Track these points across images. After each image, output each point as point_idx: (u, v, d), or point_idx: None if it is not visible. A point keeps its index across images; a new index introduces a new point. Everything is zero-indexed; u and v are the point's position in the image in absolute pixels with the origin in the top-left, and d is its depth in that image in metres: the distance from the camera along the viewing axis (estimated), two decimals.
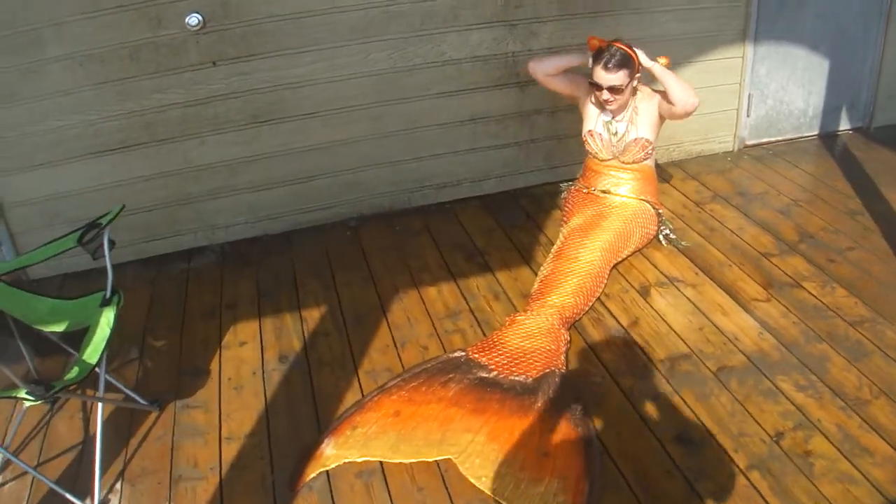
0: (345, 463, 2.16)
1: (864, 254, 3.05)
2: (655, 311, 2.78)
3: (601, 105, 3.04)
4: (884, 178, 3.65)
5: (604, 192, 3.16)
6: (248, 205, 3.36)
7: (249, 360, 2.65)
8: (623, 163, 3.11)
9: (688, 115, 2.93)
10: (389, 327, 2.79)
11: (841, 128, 4.19)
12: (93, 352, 2.11)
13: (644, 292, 2.89)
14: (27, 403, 1.94)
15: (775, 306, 2.75)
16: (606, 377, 2.46)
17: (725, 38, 3.67)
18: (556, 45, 3.41)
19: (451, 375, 2.43)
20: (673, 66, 2.99)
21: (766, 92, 3.91)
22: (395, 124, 3.38)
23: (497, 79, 3.42)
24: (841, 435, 2.16)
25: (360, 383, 2.50)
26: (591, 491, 2.00)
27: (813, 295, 2.80)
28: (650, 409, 2.32)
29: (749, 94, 3.83)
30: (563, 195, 3.40)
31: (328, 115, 3.26)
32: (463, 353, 2.53)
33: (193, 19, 2.88)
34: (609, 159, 3.13)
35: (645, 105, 3.03)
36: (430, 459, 2.13)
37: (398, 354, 2.63)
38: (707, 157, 4.00)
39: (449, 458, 2.12)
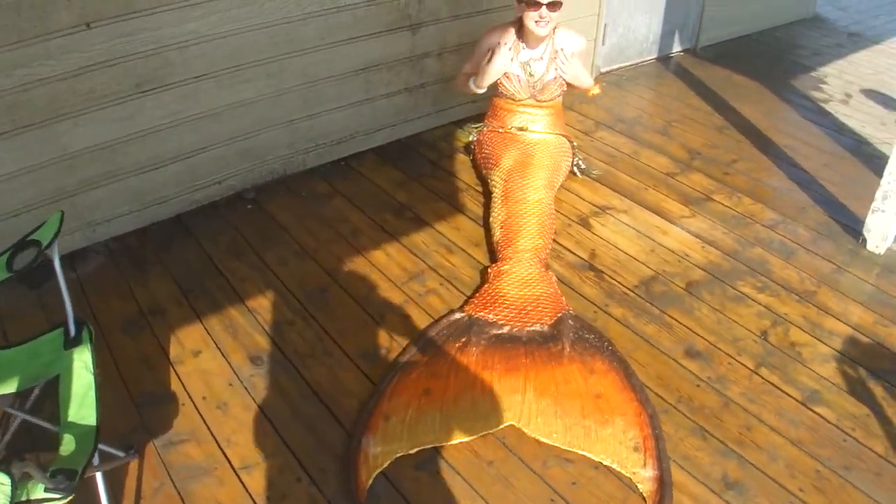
0: (396, 458, 1.98)
1: (748, 164, 3.44)
2: (604, 240, 2.89)
3: (526, 36, 3.00)
4: (729, 93, 4.12)
5: (520, 129, 3.16)
6: (131, 191, 2.81)
7: (216, 371, 2.28)
8: (539, 101, 3.13)
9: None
10: (356, 301, 2.56)
11: (674, 50, 4.62)
12: (82, 409, 1.65)
13: (585, 224, 2.99)
14: None
15: (701, 220, 3.01)
16: (599, 311, 2.53)
17: None
18: None
19: (464, 339, 2.31)
20: None
21: (617, 21, 4.14)
22: (291, 79, 3.02)
23: (390, 23, 3.20)
24: (809, 324, 2.48)
25: (360, 368, 2.28)
26: (652, 419, 2.08)
27: (726, 206, 3.11)
28: (651, 331, 2.44)
29: (605, 24, 4.03)
30: (472, 138, 3.35)
31: (221, 76, 2.81)
32: (464, 314, 2.42)
33: None
34: (525, 98, 3.12)
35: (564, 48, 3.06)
36: (493, 431, 2.04)
37: (385, 330, 2.44)
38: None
39: (510, 425, 2.04)
